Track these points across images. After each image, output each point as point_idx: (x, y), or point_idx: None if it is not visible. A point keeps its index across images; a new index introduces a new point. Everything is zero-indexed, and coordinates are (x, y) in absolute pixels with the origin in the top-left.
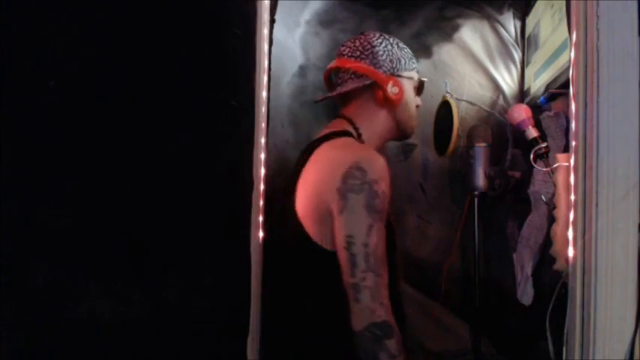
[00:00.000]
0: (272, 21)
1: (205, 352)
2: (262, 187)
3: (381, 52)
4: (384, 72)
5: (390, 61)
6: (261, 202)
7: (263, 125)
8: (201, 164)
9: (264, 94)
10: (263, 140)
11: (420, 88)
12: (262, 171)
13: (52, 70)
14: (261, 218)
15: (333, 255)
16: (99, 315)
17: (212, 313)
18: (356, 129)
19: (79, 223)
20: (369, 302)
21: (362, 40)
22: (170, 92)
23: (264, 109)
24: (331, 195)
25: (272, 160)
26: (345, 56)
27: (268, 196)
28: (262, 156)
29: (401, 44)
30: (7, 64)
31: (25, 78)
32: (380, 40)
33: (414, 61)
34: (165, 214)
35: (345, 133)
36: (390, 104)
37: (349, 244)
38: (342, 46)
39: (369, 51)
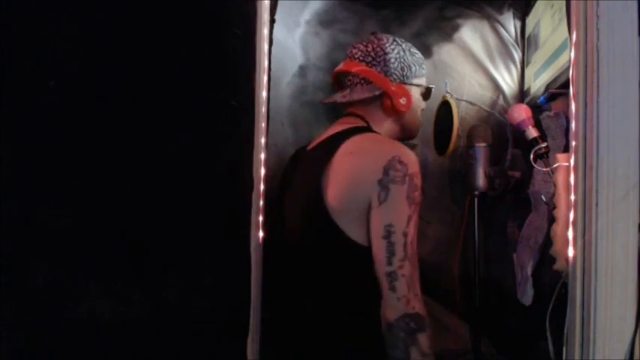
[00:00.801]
0: (272, 21)
1: (205, 352)
2: (262, 187)
3: (392, 60)
4: (394, 80)
5: (402, 68)
6: (261, 202)
7: (263, 125)
8: (201, 164)
9: (264, 94)
10: (263, 140)
11: (426, 94)
12: (262, 171)
13: (52, 70)
14: (261, 218)
15: (367, 250)
16: (99, 315)
17: (212, 313)
18: (369, 125)
19: (79, 223)
20: (405, 291)
21: (375, 45)
22: (170, 92)
23: (264, 109)
24: (371, 186)
25: (272, 160)
26: (357, 60)
27: (268, 196)
28: (262, 156)
29: (413, 49)
30: (7, 64)
31: (25, 78)
32: (393, 47)
33: (424, 67)
34: (165, 214)
35: (366, 129)
36: (398, 113)
37: (389, 232)
38: (354, 48)
39: (382, 58)
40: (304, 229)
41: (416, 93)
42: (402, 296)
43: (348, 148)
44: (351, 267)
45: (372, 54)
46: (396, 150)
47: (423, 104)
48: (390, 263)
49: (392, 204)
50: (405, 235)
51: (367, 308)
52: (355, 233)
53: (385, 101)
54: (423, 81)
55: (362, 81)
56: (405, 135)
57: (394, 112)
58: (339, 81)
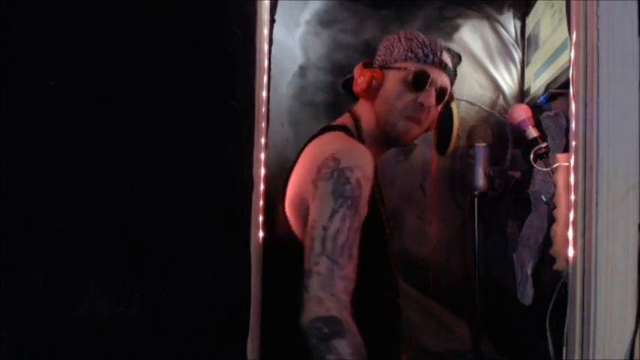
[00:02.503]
0: (272, 21)
1: (205, 352)
2: (262, 187)
3: (381, 47)
4: (375, 65)
5: (384, 53)
6: (261, 202)
7: (263, 125)
8: (201, 164)
9: (264, 94)
10: (263, 140)
11: (417, 82)
12: (262, 171)
13: (52, 70)
14: (261, 218)
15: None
16: (99, 315)
17: (212, 313)
18: (357, 122)
19: (79, 223)
20: (317, 290)
21: (383, 44)
22: (170, 92)
23: (264, 109)
24: (309, 187)
25: (272, 160)
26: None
27: (268, 196)
28: (262, 156)
29: (411, 35)
30: (7, 64)
31: (25, 78)
32: (391, 38)
33: (419, 53)
34: (165, 214)
35: (339, 128)
36: (366, 96)
37: (311, 228)
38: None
39: (380, 51)
40: (274, 230)
41: (394, 77)
42: (313, 296)
43: (308, 149)
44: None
45: (380, 53)
46: (335, 147)
47: (421, 97)
48: (307, 259)
49: (317, 200)
50: (325, 229)
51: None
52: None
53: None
54: (407, 65)
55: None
56: (383, 131)
57: (365, 96)
58: None
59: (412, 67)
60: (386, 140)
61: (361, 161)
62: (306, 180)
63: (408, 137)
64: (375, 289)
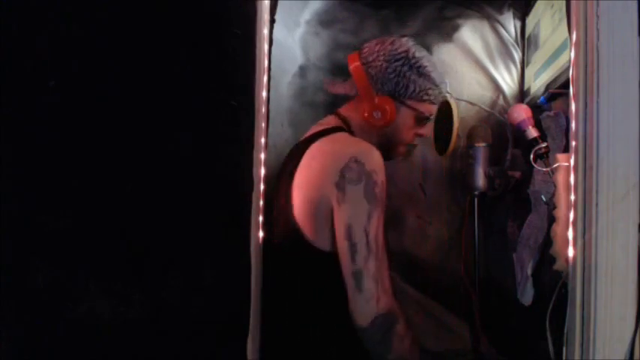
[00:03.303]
0: (272, 21)
1: (205, 352)
2: (262, 187)
3: (390, 70)
4: (384, 90)
5: (397, 83)
6: (261, 202)
7: (263, 125)
8: (202, 164)
9: (264, 94)
10: (263, 140)
11: (422, 121)
12: (262, 171)
13: (52, 70)
14: (261, 218)
15: (330, 257)
16: (99, 315)
17: (212, 313)
18: (348, 126)
19: (79, 223)
20: (373, 288)
21: (383, 48)
22: (170, 92)
23: (264, 109)
24: (330, 190)
25: (272, 160)
26: (362, 56)
27: (268, 196)
28: (262, 156)
29: (426, 70)
30: (7, 64)
31: (25, 78)
32: (400, 57)
33: (433, 93)
34: (165, 214)
35: (337, 129)
36: (372, 125)
37: (350, 232)
38: (367, 44)
39: (380, 63)
40: (278, 232)
41: (406, 114)
42: (370, 296)
43: (312, 152)
44: (315, 274)
45: (374, 55)
46: (353, 149)
47: (419, 130)
48: (354, 262)
49: (350, 204)
50: (367, 232)
51: (338, 313)
52: (318, 240)
53: (363, 107)
54: (423, 107)
55: (351, 77)
56: (385, 151)
57: (368, 123)
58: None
59: (426, 109)
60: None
61: (380, 163)
62: (325, 183)
63: (397, 156)
64: None
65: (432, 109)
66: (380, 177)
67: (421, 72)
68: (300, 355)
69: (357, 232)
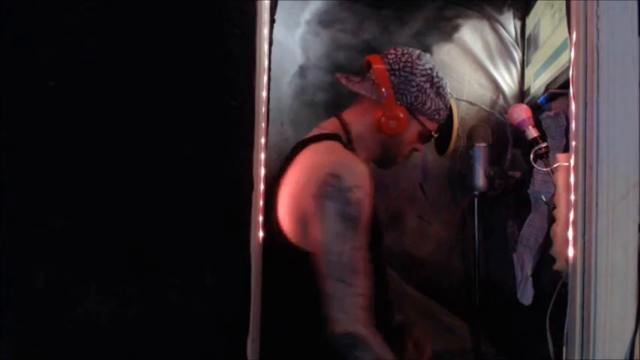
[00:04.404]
0: (272, 21)
1: (205, 352)
2: (262, 187)
3: (414, 83)
4: (403, 101)
5: (416, 97)
6: (261, 202)
7: (263, 125)
8: (202, 164)
9: (264, 94)
10: (263, 140)
11: (425, 137)
12: (262, 171)
13: (52, 70)
14: (261, 218)
15: (306, 255)
16: (99, 315)
17: (212, 313)
18: (347, 133)
19: (79, 224)
20: (330, 310)
21: (409, 59)
22: (170, 92)
23: (264, 109)
24: (307, 200)
25: (272, 160)
26: (387, 60)
27: (268, 196)
28: (262, 156)
29: (444, 92)
30: (7, 64)
31: (25, 78)
32: (424, 73)
33: (440, 116)
34: (165, 214)
35: (332, 136)
36: (382, 132)
37: (323, 252)
38: (392, 50)
39: (407, 74)
40: (269, 232)
41: (414, 128)
42: (328, 316)
43: (300, 158)
44: (295, 272)
45: (401, 64)
46: (335, 162)
47: (418, 145)
48: (323, 283)
49: (325, 221)
50: (331, 252)
51: (314, 312)
52: (299, 240)
53: (378, 112)
54: (430, 125)
55: (374, 80)
56: (379, 159)
57: (379, 129)
58: (365, 69)
59: (432, 127)
60: (374, 157)
61: (361, 179)
62: (304, 193)
63: (391, 166)
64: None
65: (435, 128)
66: (359, 194)
67: (439, 92)
68: (297, 354)
69: (323, 252)
